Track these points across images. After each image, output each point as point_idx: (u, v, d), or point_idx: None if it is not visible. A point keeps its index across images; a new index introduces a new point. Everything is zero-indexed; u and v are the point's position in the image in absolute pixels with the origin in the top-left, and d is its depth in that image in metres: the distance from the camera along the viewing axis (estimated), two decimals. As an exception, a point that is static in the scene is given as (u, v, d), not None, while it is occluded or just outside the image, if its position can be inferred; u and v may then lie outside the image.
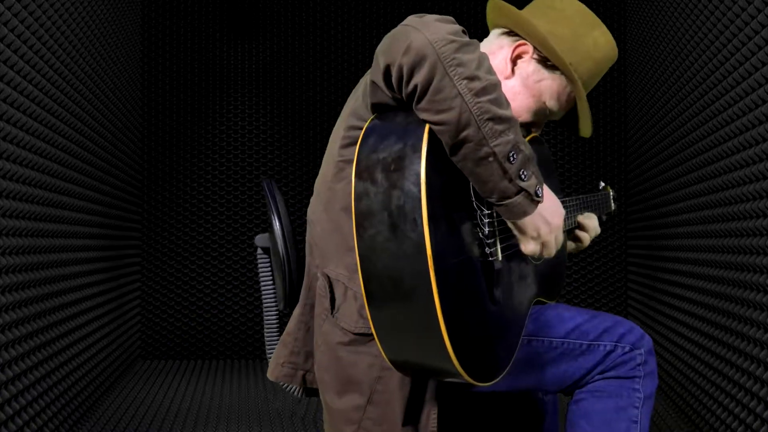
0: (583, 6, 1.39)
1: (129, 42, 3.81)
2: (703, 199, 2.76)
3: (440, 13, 1.39)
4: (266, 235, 1.51)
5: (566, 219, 1.50)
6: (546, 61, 1.34)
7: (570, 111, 1.43)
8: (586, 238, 1.60)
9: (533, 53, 1.34)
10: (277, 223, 1.40)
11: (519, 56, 1.36)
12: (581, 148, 4.19)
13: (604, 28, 1.37)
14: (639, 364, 1.37)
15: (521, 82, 1.35)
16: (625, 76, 4.12)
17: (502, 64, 1.36)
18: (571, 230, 1.61)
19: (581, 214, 1.59)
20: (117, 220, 3.57)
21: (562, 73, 1.34)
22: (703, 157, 2.75)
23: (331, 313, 1.27)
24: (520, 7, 1.40)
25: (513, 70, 1.36)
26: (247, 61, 4.21)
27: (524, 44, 1.35)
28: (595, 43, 1.35)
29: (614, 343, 1.37)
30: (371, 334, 1.21)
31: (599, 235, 1.69)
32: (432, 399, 1.24)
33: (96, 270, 3.15)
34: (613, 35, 1.41)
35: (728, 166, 2.48)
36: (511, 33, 1.38)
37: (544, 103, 1.37)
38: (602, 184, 1.84)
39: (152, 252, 4.16)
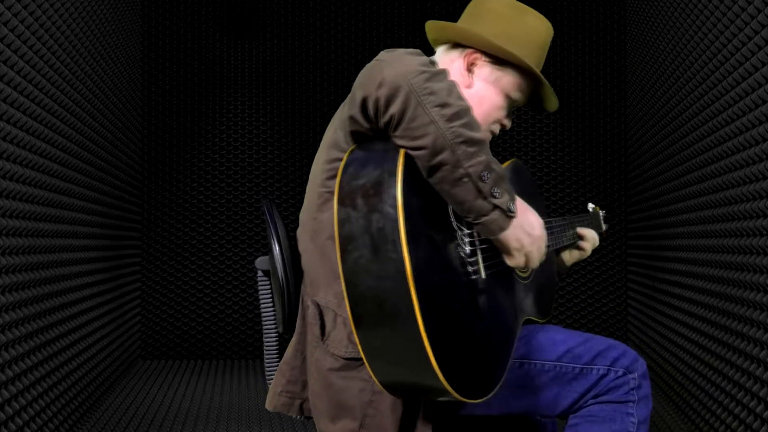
0: None
1: (129, 42, 3.81)
2: (703, 199, 2.76)
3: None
4: (267, 258, 1.52)
5: (558, 237, 1.58)
6: (496, 61, 1.42)
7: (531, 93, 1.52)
8: (587, 247, 1.68)
9: (483, 57, 1.42)
10: (277, 248, 1.42)
11: (472, 63, 1.43)
12: (581, 147, 4.19)
13: (532, 11, 1.46)
14: (633, 389, 1.36)
15: (483, 85, 1.42)
16: (625, 76, 4.12)
17: (459, 76, 1.43)
18: (571, 245, 1.69)
19: (572, 230, 1.67)
20: (117, 220, 3.57)
21: (514, 65, 1.41)
22: (703, 157, 2.75)
23: (322, 339, 1.29)
24: (446, 17, 1.44)
25: (472, 78, 1.43)
26: (247, 61, 4.21)
27: (473, 52, 1.43)
28: (532, 28, 1.44)
29: (607, 367, 1.37)
30: (361, 359, 1.22)
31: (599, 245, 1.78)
32: (425, 421, 1.25)
33: (96, 270, 3.15)
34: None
35: (728, 166, 2.48)
36: (455, 45, 1.45)
37: (508, 96, 1.44)
38: (591, 205, 1.90)
39: (152, 252, 4.16)
